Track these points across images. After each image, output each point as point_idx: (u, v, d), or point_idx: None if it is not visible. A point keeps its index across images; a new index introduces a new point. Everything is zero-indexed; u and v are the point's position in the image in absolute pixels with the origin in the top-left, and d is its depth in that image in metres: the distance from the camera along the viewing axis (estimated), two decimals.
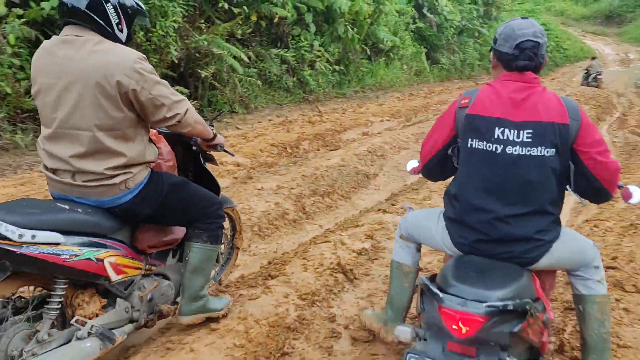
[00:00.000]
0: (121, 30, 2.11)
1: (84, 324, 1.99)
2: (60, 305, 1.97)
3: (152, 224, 2.33)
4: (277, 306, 2.84)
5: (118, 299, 2.20)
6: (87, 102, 1.96)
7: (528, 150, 1.92)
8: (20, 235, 1.74)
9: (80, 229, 1.98)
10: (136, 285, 2.29)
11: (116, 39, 2.09)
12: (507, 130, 1.94)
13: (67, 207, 1.98)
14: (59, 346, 1.92)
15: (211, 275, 2.75)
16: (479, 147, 1.98)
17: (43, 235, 1.80)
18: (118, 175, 2.05)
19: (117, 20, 2.07)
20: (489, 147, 1.96)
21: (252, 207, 4.35)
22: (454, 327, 1.63)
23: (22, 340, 1.88)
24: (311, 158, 6.10)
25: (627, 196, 2.14)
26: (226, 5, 7.18)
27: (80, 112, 1.97)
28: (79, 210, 2.01)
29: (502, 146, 1.94)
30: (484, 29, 19.17)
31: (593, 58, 21.60)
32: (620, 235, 4.01)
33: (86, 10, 1.97)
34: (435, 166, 2.27)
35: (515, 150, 1.93)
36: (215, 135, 2.46)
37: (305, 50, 9.55)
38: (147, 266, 2.35)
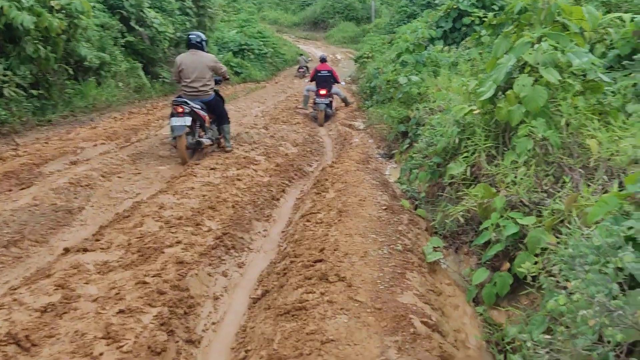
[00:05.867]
0: (205, 49, 7.58)
1: (202, 136, 7.48)
2: (198, 130, 7.36)
3: (211, 111, 7.61)
4: None
5: (207, 132, 7.60)
6: (203, 70, 7.30)
7: (327, 74, 12.01)
8: (194, 105, 7.13)
9: (200, 106, 7.28)
10: (209, 129, 7.63)
11: (205, 51, 7.54)
12: (324, 71, 11.99)
13: (197, 102, 7.24)
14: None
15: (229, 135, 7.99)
16: (319, 74, 12.04)
17: (197, 106, 7.23)
18: (210, 91, 7.48)
19: (205, 46, 7.61)
20: (320, 74, 12.01)
21: None
22: (321, 92, 11.68)
23: (192, 138, 7.28)
24: None
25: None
26: None
27: (201, 73, 7.29)
28: (199, 102, 7.29)
29: (322, 74, 11.99)
30: None
31: (301, 54, 27.48)
32: (328, 225, 4.17)
33: (198, 43, 7.46)
34: (312, 80, 12.45)
35: (325, 74, 12.00)
36: (228, 77, 8.32)
37: None
38: (209, 124, 7.63)
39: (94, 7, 12.41)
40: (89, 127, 9.53)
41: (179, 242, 3.99)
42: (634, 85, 5.47)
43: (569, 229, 2.46)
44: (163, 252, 3.77)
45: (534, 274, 2.62)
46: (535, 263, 2.70)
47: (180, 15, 17.17)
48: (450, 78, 8.47)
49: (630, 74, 5.89)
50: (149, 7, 14.98)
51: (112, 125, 9.80)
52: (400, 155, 7.99)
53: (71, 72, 10.76)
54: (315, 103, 11.80)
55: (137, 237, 4.09)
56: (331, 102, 12.13)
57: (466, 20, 11.83)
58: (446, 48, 11.32)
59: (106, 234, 4.24)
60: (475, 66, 8.55)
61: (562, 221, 2.75)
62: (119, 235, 4.14)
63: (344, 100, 13.59)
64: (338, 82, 12.47)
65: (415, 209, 5.35)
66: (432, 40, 12.12)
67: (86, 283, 3.30)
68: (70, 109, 10.61)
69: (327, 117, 11.94)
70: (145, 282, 3.27)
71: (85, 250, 3.85)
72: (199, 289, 3.44)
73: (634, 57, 5.91)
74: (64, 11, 10.00)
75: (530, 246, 2.79)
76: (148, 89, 14.48)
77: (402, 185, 6.05)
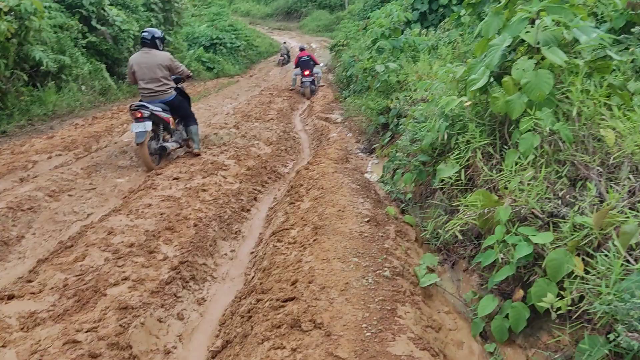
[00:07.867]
0: (160, 46, 7.14)
1: (168, 140, 7.32)
2: (162, 133, 7.23)
3: (175, 111, 7.32)
4: None
5: (174, 134, 7.45)
6: (157, 70, 6.91)
7: (307, 58, 14.81)
8: (153, 108, 6.75)
9: (161, 108, 6.99)
10: (175, 131, 7.46)
11: (160, 49, 7.11)
12: (304, 57, 14.88)
13: (157, 103, 6.95)
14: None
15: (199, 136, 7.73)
16: (301, 60, 14.95)
17: (157, 108, 6.85)
18: (169, 90, 7.12)
19: (160, 43, 7.15)
20: (302, 60, 14.91)
21: None
22: (305, 73, 14.83)
23: (156, 144, 7.05)
24: None
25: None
26: None
27: (155, 73, 6.91)
28: (158, 103, 6.98)
29: (303, 59, 14.86)
30: (169, 37, 18.44)
31: (284, 42, 28.25)
32: (302, 247, 3.56)
33: (151, 41, 6.99)
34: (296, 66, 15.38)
35: (306, 59, 14.82)
36: (190, 74, 7.58)
37: None
38: (175, 126, 7.45)
39: (49, 7, 11.59)
40: (46, 137, 8.77)
41: (125, 279, 3.35)
42: (632, 61, 4.95)
43: (606, 254, 1.89)
44: (105, 295, 3.13)
45: (560, 311, 2.06)
46: (559, 295, 2.13)
47: (145, 11, 16.36)
48: (430, 63, 7.88)
49: (626, 48, 5.36)
50: (110, 5, 14.19)
51: (71, 134, 9.05)
52: (381, 150, 7.41)
53: (26, 78, 9.99)
54: (302, 82, 15.04)
55: (77, 275, 3.44)
56: (313, 80, 15.27)
57: (443, 0, 11.24)
58: (424, 31, 10.73)
59: (41, 272, 3.58)
60: (456, 49, 7.98)
61: (589, 240, 2.18)
62: (55, 274, 3.48)
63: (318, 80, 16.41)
64: (317, 64, 15.62)
65: (402, 212, 4.78)
66: (408, 23, 11.52)
67: (3, 346, 2.66)
68: (27, 118, 9.87)
69: (312, 92, 15.11)
70: (75, 341, 2.64)
71: (11, 297, 3.19)
72: (145, 342, 2.80)
73: (632, 30, 5.38)
74: (12, 13, 9.21)
75: (550, 272, 2.22)
76: (114, 91, 13.70)
77: (386, 186, 5.47)
